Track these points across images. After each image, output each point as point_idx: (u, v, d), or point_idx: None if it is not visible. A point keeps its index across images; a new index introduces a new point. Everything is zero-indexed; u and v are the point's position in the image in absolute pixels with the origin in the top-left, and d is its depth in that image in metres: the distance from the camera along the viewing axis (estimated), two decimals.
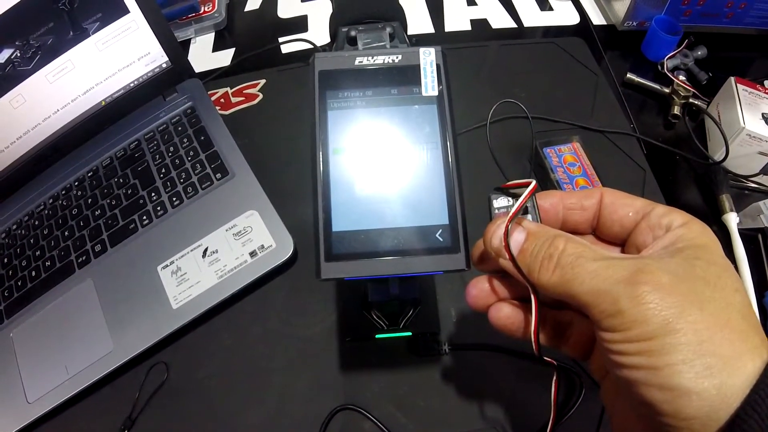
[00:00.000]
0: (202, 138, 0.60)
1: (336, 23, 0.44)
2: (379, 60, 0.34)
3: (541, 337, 0.30)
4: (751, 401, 0.19)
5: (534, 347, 0.28)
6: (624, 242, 0.28)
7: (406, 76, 0.34)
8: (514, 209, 0.27)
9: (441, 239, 0.31)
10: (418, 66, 0.34)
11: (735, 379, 0.20)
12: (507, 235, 0.27)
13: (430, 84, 0.34)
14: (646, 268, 0.22)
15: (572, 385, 0.47)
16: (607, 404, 0.28)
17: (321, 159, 0.32)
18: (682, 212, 0.26)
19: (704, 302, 0.21)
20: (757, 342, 0.21)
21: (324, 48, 0.72)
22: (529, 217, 0.29)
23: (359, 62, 0.34)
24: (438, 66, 0.34)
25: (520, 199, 0.28)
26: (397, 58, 0.34)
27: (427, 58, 0.34)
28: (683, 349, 0.20)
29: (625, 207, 0.28)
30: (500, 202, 0.29)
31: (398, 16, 0.45)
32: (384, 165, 0.33)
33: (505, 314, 0.29)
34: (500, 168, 0.54)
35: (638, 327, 0.21)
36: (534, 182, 0.28)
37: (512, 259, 0.26)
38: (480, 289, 0.30)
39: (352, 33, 0.41)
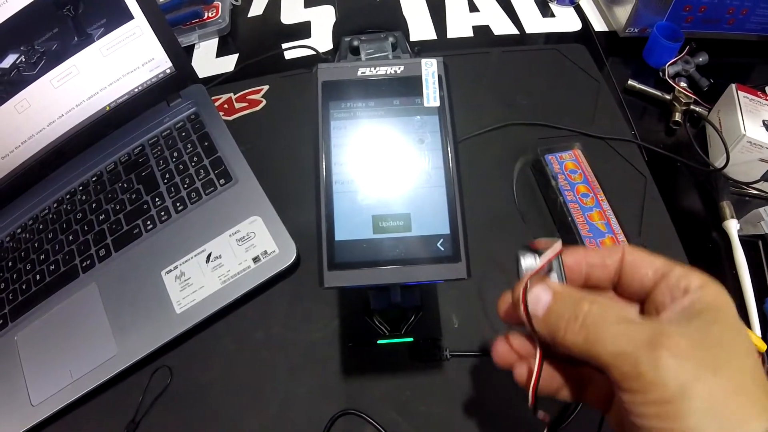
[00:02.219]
0: (206, 143, 0.60)
1: (339, 33, 0.45)
2: (382, 71, 0.35)
3: (563, 392, 0.30)
4: None
5: (530, 399, 0.29)
6: (644, 299, 0.29)
7: (408, 86, 0.34)
8: (535, 269, 0.28)
9: (442, 248, 0.32)
10: (420, 77, 0.35)
11: None
12: (525, 298, 0.28)
13: (431, 95, 0.34)
14: (665, 332, 0.23)
15: None
16: None
17: (324, 168, 0.33)
18: (699, 273, 0.26)
19: (718, 368, 0.22)
20: (765, 404, 0.22)
21: (327, 54, 0.73)
22: (555, 275, 0.29)
23: (362, 73, 0.35)
24: (440, 77, 0.35)
25: (543, 260, 0.28)
26: (399, 69, 0.35)
27: (429, 69, 0.35)
28: (698, 413, 0.22)
29: (644, 267, 0.28)
30: (528, 261, 0.30)
31: (401, 26, 0.45)
32: (386, 175, 0.33)
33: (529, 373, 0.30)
34: (515, 199, 0.55)
35: (657, 390, 0.22)
36: (559, 243, 0.29)
37: (529, 320, 0.27)
38: (505, 348, 0.31)
39: (355, 43, 0.41)
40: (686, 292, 0.26)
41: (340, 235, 0.32)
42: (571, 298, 0.27)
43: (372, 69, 0.35)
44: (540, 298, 0.27)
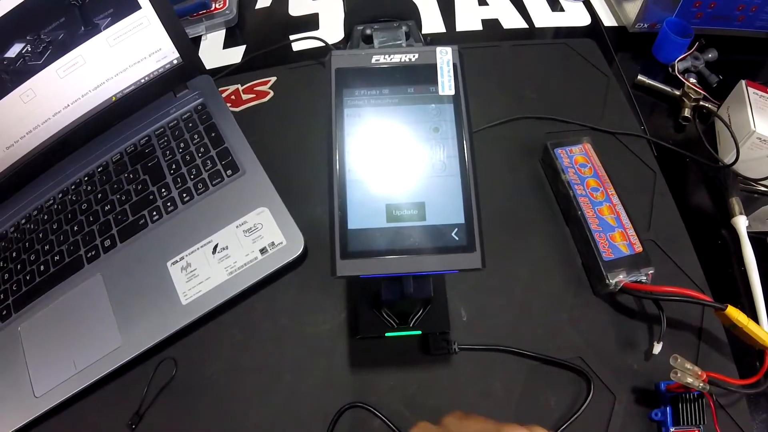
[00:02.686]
0: (213, 134, 0.60)
1: (351, 21, 0.44)
2: (396, 58, 0.34)
3: None
4: None
5: None
6: None
7: (423, 75, 0.34)
8: None
9: (457, 238, 0.31)
10: (435, 65, 0.34)
11: None
12: None
13: (446, 83, 0.34)
14: None
15: (581, 385, 0.47)
16: None
17: (337, 157, 0.32)
18: None
19: None
20: None
21: (337, 46, 0.72)
22: None
23: (376, 60, 0.34)
24: (455, 65, 0.34)
25: None
26: (413, 56, 0.34)
27: (444, 57, 0.34)
28: None
29: None
30: None
31: (413, 15, 0.45)
32: (400, 163, 0.33)
33: None
34: None
35: None
36: None
37: None
38: None
39: (368, 31, 0.41)
40: None
41: (353, 224, 0.32)
42: None
43: (386, 57, 0.34)
44: None
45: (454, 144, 0.33)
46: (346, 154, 0.33)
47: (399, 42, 0.40)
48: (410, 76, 0.34)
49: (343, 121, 0.33)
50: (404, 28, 0.41)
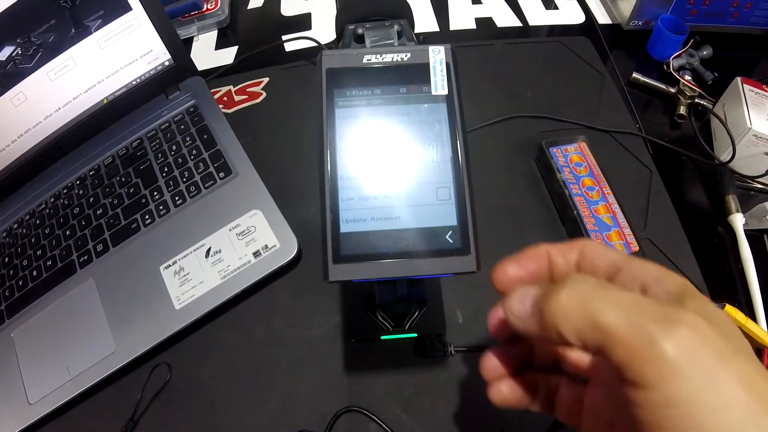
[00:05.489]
0: (205, 136, 0.59)
1: (342, 21, 0.44)
2: (388, 58, 0.34)
3: (534, 404, 0.28)
4: None
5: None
6: None
7: (416, 74, 0.34)
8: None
9: (451, 240, 0.31)
10: (428, 64, 0.34)
11: None
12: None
13: (439, 82, 0.33)
14: (682, 309, 0.19)
15: None
16: None
17: (328, 158, 0.32)
18: (655, 265, 0.23)
19: (740, 350, 0.19)
20: None
21: (329, 46, 0.72)
22: None
23: (367, 60, 0.34)
24: (448, 64, 0.34)
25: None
26: (406, 56, 0.34)
27: (437, 56, 0.34)
28: (738, 409, 0.17)
29: (599, 258, 0.25)
30: None
31: (405, 14, 0.44)
32: (392, 164, 0.32)
33: (505, 393, 0.28)
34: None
35: (680, 380, 0.18)
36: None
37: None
38: (494, 362, 0.29)
39: (359, 31, 0.40)
40: (643, 286, 0.23)
41: (345, 227, 0.31)
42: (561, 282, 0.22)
43: (378, 56, 0.34)
44: (527, 293, 0.23)
45: (447, 145, 0.32)
46: (337, 156, 0.32)
47: (391, 41, 0.39)
48: (403, 76, 0.34)
49: (334, 122, 0.33)
50: (396, 27, 0.40)
